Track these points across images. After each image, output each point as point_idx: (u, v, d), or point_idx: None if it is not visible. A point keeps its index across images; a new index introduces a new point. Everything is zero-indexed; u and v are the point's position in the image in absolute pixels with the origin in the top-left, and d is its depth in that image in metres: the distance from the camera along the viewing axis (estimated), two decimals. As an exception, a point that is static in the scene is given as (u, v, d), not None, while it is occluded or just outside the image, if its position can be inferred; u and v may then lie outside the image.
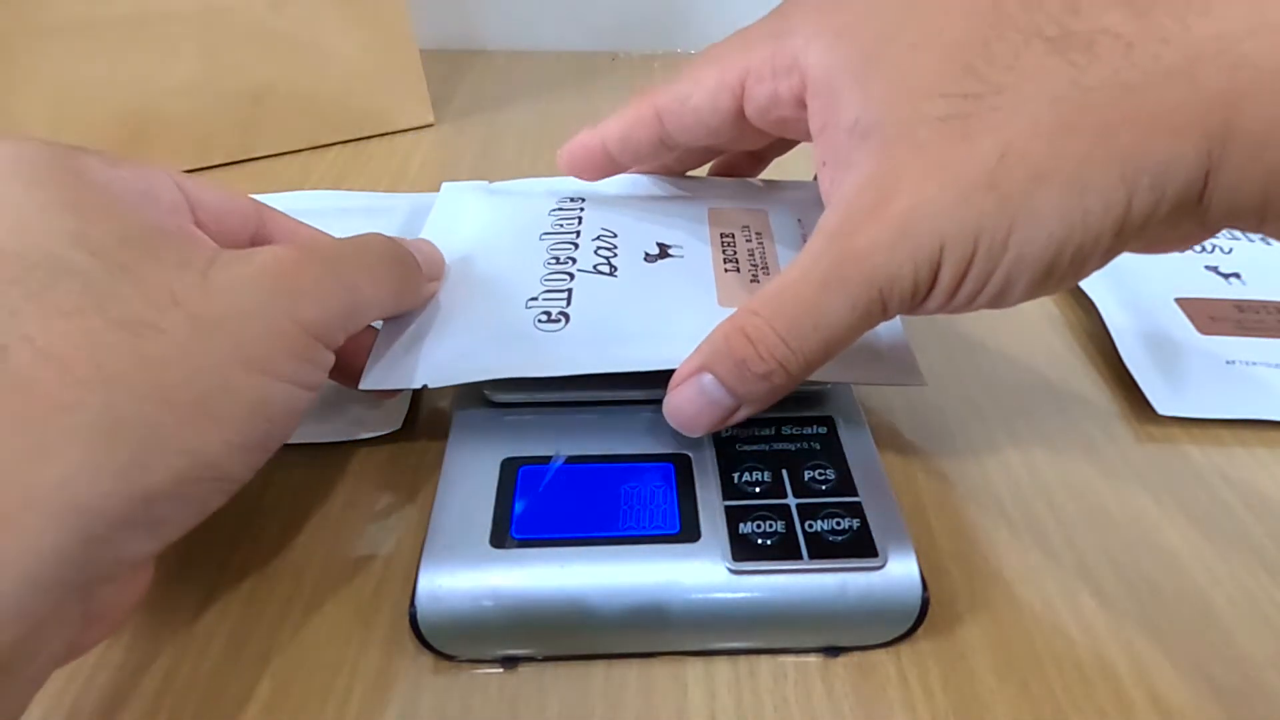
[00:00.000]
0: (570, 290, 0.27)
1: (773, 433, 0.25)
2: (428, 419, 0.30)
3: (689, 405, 0.22)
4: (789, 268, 0.21)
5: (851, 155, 0.21)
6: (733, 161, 0.34)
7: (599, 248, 0.29)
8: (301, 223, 0.27)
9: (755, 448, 0.25)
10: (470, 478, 0.24)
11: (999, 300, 0.20)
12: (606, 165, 0.30)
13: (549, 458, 0.24)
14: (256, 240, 0.26)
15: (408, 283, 0.25)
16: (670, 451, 0.25)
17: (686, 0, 0.62)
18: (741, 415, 0.23)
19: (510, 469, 0.24)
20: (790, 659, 0.23)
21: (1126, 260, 0.35)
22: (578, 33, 0.63)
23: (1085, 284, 0.36)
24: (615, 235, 0.30)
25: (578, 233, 0.30)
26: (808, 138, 0.24)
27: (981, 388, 0.32)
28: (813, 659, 0.23)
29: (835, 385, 0.27)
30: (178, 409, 0.17)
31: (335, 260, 0.22)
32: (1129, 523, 0.27)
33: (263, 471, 0.27)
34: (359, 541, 0.26)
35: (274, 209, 0.26)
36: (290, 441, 0.28)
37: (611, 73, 0.60)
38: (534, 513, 0.23)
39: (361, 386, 0.25)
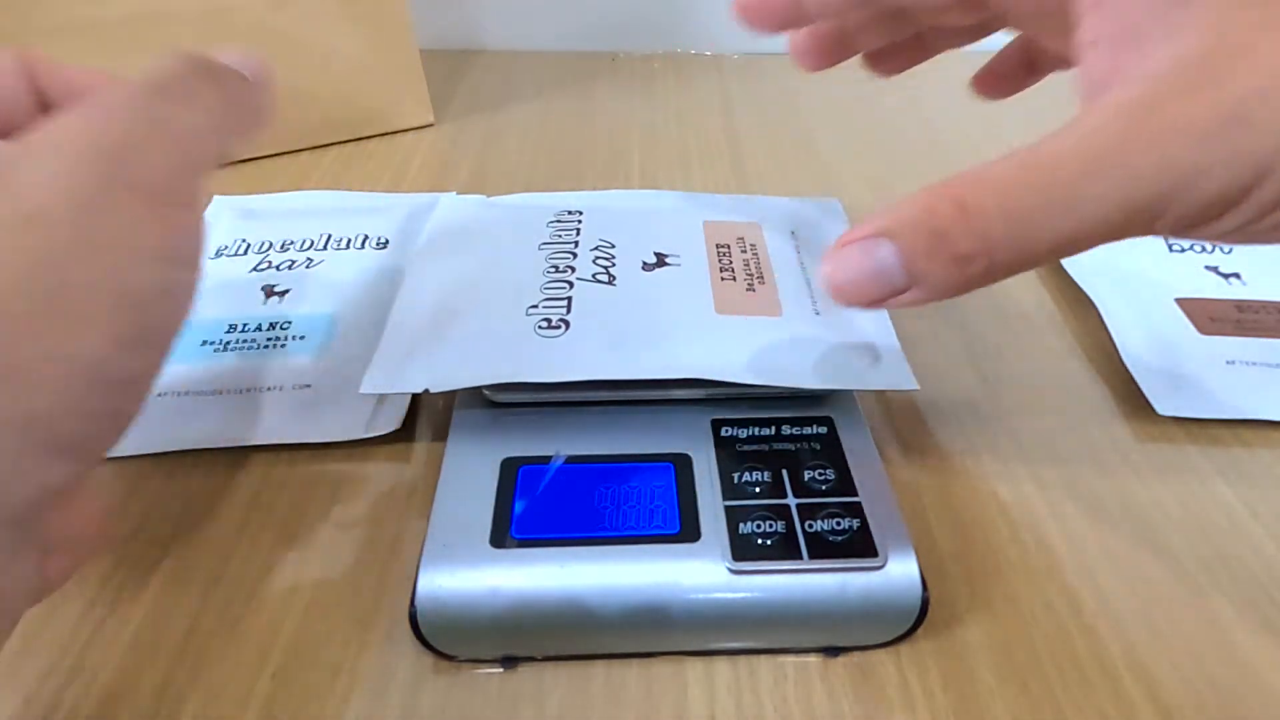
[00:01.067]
0: (570, 298, 0.27)
1: (773, 433, 0.25)
2: (428, 419, 0.30)
3: (850, 268, 0.18)
4: (1045, 139, 0.16)
5: (1159, 24, 0.16)
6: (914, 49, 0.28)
7: (598, 257, 0.29)
8: (74, 66, 0.22)
9: (755, 448, 0.25)
10: (470, 478, 0.24)
11: None
12: (789, 14, 0.25)
13: (549, 458, 0.24)
14: (37, 99, 0.21)
15: (232, 91, 0.21)
16: (670, 451, 0.25)
17: (686, 0, 0.62)
18: (908, 300, 0.18)
19: (510, 469, 0.24)
20: (790, 659, 0.23)
21: (1127, 260, 0.35)
22: (578, 33, 0.63)
23: (1086, 284, 0.36)
24: (613, 245, 0.30)
25: (576, 243, 0.30)
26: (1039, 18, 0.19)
27: (981, 387, 0.32)
28: (813, 659, 0.23)
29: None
30: (27, 319, 0.15)
31: (137, 102, 0.19)
32: (1129, 523, 0.27)
33: (262, 471, 0.28)
34: (359, 542, 0.26)
35: (40, 55, 0.22)
36: (289, 441, 0.28)
37: (611, 73, 0.60)
38: (534, 513, 0.23)
39: (362, 390, 0.25)
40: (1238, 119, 0.14)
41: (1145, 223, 0.16)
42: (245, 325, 0.32)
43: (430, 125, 0.52)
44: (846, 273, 0.18)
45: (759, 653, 0.23)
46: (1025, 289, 0.38)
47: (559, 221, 0.32)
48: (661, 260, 0.29)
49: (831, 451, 0.24)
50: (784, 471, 0.24)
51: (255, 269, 0.35)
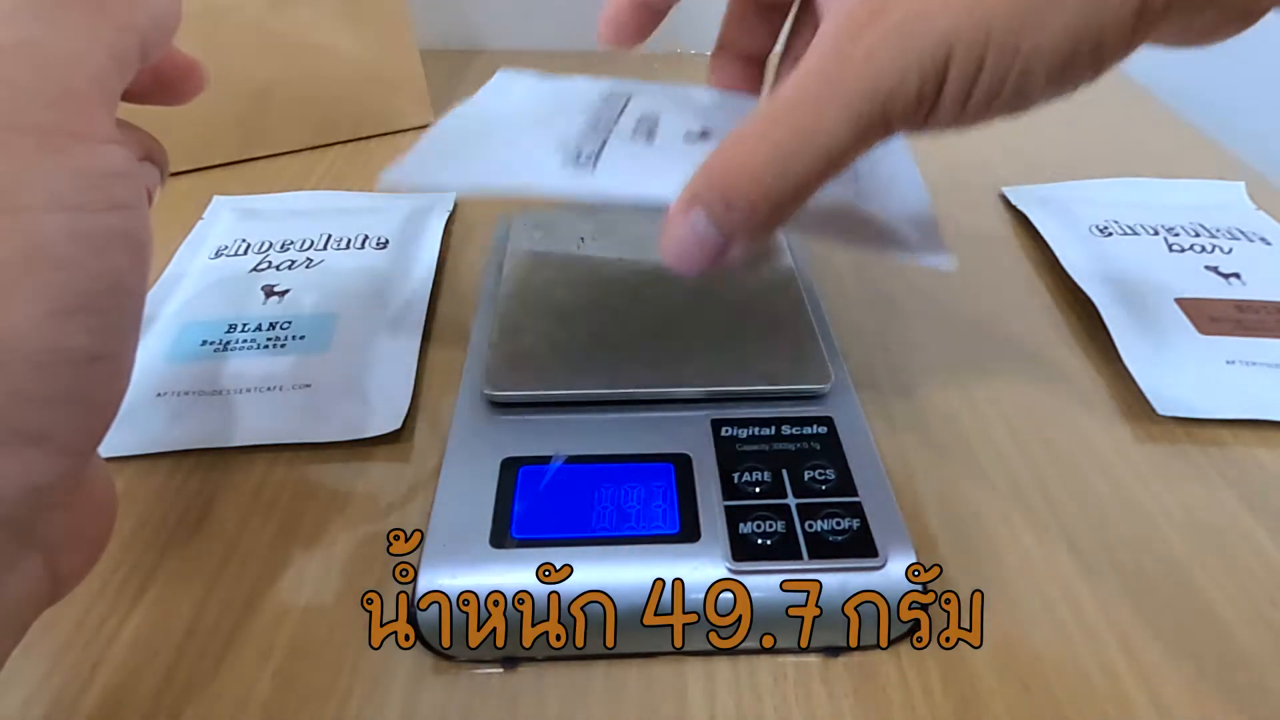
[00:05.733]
0: (605, 142, 0.26)
1: (773, 433, 0.25)
2: (428, 419, 0.30)
3: (677, 243, 0.21)
4: (781, 87, 0.19)
5: None
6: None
7: (640, 124, 0.28)
8: None
9: (755, 448, 0.25)
10: (470, 478, 0.24)
11: (1015, 103, 0.19)
12: (646, 20, 0.28)
13: (549, 458, 0.24)
14: None
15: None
16: (670, 451, 0.25)
17: (686, 0, 0.62)
18: (735, 254, 0.21)
19: (510, 469, 0.24)
20: (790, 659, 0.23)
21: (1127, 262, 0.35)
22: (578, 33, 0.63)
23: (1086, 284, 0.36)
24: (658, 119, 0.29)
25: (622, 111, 0.29)
26: None
27: (981, 387, 0.32)
28: (813, 659, 0.23)
29: (835, 385, 0.27)
30: None
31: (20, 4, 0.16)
32: (1129, 523, 0.27)
33: (262, 471, 0.28)
34: (359, 541, 0.26)
35: None
36: (289, 441, 0.28)
37: (612, 73, 0.60)
38: (534, 513, 0.23)
39: (380, 187, 0.25)
40: (906, 34, 0.18)
41: (879, 130, 0.19)
42: (245, 325, 0.32)
43: (430, 125, 0.52)
44: (675, 249, 0.21)
45: (759, 653, 0.23)
46: (1026, 290, 0.38)
47: (609, 97, 0.31)
48: (706, 134, 0.28)
49: (831, 451, 0.24)
50: (784, 471, 0.24)
51: (255, 269, 0.35)
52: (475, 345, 0.29)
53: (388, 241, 0.37)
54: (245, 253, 0.37)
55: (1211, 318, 0.34)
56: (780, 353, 0.27)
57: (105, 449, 0.23)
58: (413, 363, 0.32)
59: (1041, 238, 0.40)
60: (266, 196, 0.42)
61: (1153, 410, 0.30)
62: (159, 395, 0.29)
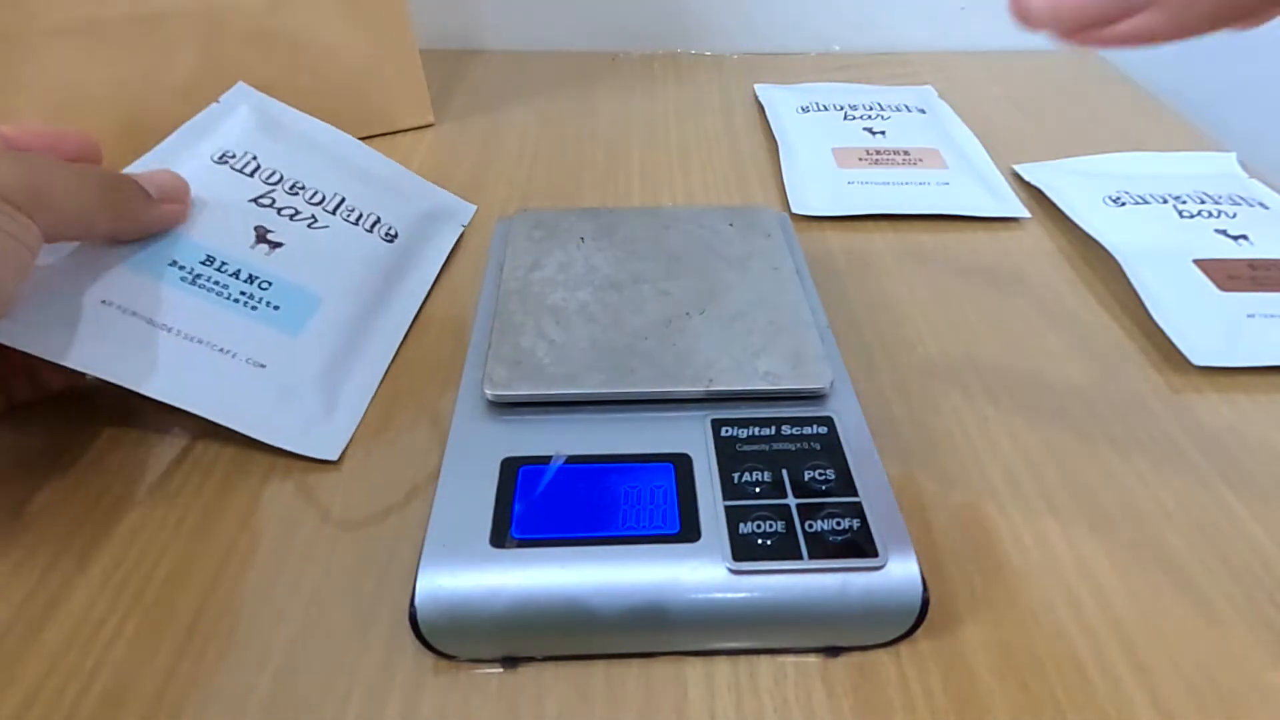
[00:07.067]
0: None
1: (773, 433, 0.25)
2: (428, 419, 0.30)
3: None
4: None
5: None
6: None
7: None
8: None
9: (755, 448, 0.25)
10: (470, 478, 0.24)
11: None
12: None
13: (549, 458, 0.24)
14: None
15: (123, 200, 0.26)
16: (670, 451, 0.25)
17: (686, 0, 0.62)
18: (1146, 24, 0.18)
19: (510, 469, 0.24)
20: (790, 659, 0.23)
21: (1142, 227, 0.40)
22: (578, 33, 0.63)
23: (1111, 248, 0.38)
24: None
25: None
26: None
27: (981, 387, 0.32)
28: (813, 659, 0.23)
29: (835, 385, 0.27)
30: None
31: (29, 158, 0.24)
32: (1130, 523, 0.27)
33: (262, 471, 0.28)
34: (359, 541, 0.26)
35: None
36: (216, 419, 0.26)
37: (611, 73, 0.60)
38: (534, 513, 0.23)
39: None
40: None
41: None
42: (224, 265, 0.29)
43: (430, 125, 0.52)
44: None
45: (759, 653, 0.23)
46: (1023, 293, 0.38)
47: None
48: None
49: (831, 451, 0.24)
50: (784, 471, 0.24)
51: (256, 200, 0.32)
52: (475, 345, 0.29)
53: (397, 235, 0.35)
54: (252, 174, 0.33)
55: (1229, 276, 0.37)
56: (780, 353, 0.27)
57: (23, 342, 0.24)
58: (370, 393, 0.30)
59: (1054, 214, 0.42)
60: (295, 112, 0.38)
61: (1153, 410, 0.30)
62: (104, 303, 0.26)
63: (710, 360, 0.27)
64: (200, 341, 0.27)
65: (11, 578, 0.24)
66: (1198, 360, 0.33)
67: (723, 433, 0.25)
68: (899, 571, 0.22)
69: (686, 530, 0.22)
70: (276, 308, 0.29)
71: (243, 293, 0.28)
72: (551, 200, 0.44)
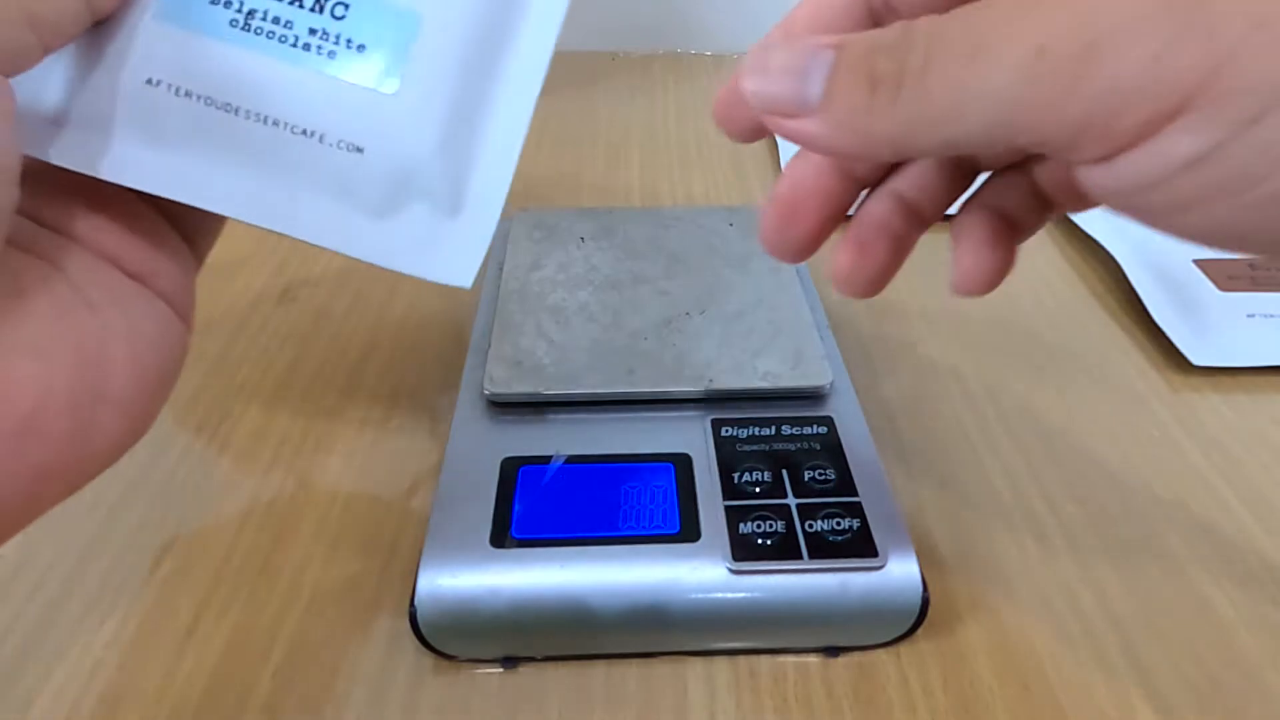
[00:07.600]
0: None
1: (773, 433, 0.25)
2: (428, 419, 0.30)
3: (770, 76, 0.16)
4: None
5: None
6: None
7: None
8: None
9: (755, 448, 0.25)
10: (470, 478, 0.24)
11: None
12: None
13: (549, 458, 0.24)
14: None
15: None
16: (670, 451, 0.25)
17: (686, 0, 0.62)
18: (807, 128, 0.15)
19: (510, 469, 0.24)
20: (790, 659, 0.23)
21: (1140, 228, 0.36)
22: (578, 33, 0.63)
23: (1111, 248, 0.38)
24: None
25: None
26: None
27: (981, 387, 0.32)
28: (813, 659, 0.23)
29: (835, 385, 0.27)
30: None
31: None
32: (1130, 522, 0.27)
33: (262, 471, 0.28)
34: (359, 541, 0.26)
35: None
36: (319, 244, 0.19)
37: (611, 73, 0.60)
38: (534, 513, 0.23)
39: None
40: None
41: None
42: None
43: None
44: (760, 78, 0.16)
45: (759, 653, 0.23)
46: (1024, 292, 0.38)
47: None
48: None
49: (831, 451, 0.24)
50: (784, 471, 0.24)
51: None
52: (475, 345, 0.29)
53: None
54: None
55: (1229, 276, 0.37)
56: (780, 352, 0.27)
57: (58, 156, 0.17)
58: (510, 169, 0.21)
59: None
60: None
61: (1154, 411, 0.30)
62: (149, 82, 0.18)
63: (710, 360, 0.27)
64: (276, 124, 0.19)
65: (12, 578, 0.24)
66: (1198, 360, 0.33)
67: (723, 432, 0.25)
68: (899, 571, 0.22)
69: (686, 530, 0.22)
70: (361, 47, 0.19)
71: (312, 31, 0.19)
72: (551, 200, 0.44)
